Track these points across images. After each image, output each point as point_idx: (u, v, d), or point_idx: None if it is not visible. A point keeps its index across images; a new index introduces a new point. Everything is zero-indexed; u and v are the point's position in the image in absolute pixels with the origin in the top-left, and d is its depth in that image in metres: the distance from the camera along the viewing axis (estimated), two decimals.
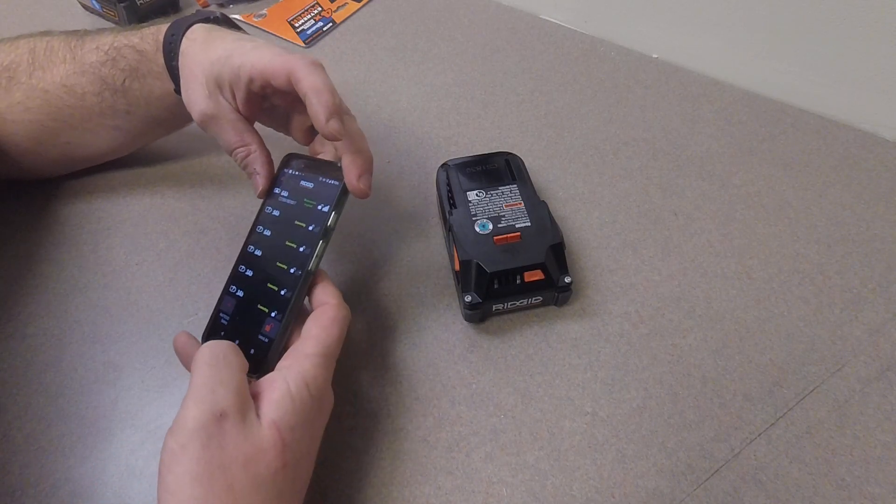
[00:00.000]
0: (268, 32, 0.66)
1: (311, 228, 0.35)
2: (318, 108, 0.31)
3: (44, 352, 0.40)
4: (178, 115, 0.42)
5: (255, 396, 0.28)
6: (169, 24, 0.40)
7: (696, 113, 0.55)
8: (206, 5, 0.70)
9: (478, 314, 0.39)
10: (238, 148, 0.37)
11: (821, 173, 0.49)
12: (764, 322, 0.40)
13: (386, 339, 0.40)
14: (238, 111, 0.37)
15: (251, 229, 0.37)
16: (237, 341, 0.33)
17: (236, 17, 0.68)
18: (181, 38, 0.38)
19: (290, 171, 0.38)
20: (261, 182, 0.37)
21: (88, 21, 0.68)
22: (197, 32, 0.38)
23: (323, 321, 0.31)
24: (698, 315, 0.41)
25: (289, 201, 0.36)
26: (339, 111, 0.33)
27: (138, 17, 0.65)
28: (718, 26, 0.56)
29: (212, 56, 0.36)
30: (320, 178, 0.36)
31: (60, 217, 0.48)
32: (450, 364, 0.39)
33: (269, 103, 0.39)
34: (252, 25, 0.67)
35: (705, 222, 0.46)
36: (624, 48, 0.62)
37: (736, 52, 0.56)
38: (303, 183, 0.36)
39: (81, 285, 0.43)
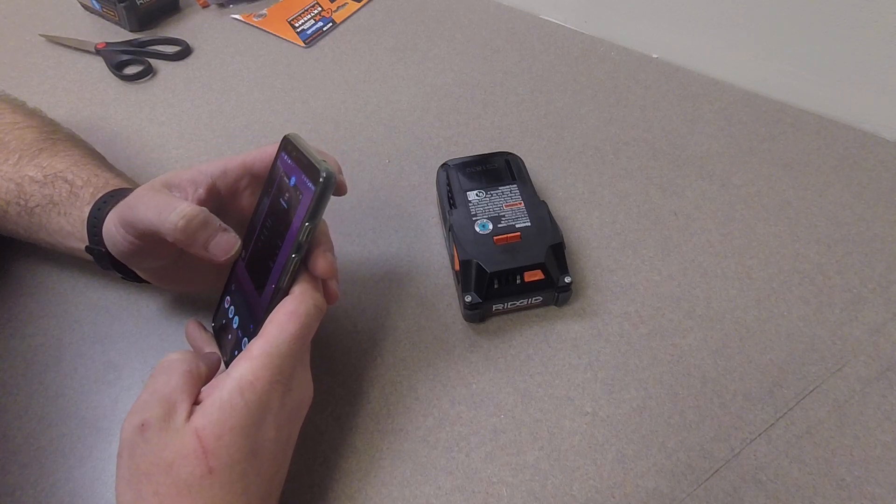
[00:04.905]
0: (268, 32, 0.66)
1: (284, 239, 0.31)
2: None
3: (44, 352, 0.40)
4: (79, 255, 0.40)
5: (200, 401, 0.28)
6: (116, 183, 0.39)
7: (696, 113, 0.55)
8: (206, 5, 0.70)
9: (478, 314, 0.39)
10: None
11: (821, 173, 0.49)
12: (764, 322, 0.40)
13: (386, 339, 0.40)
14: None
15: (251, 220, 0.34)
16: (229, 337, 0.33)
17: (237, 17, 0.68)
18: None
19: (285, 159, 0.33)
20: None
21: (88, 20, 0.68)
22: None
23: (279, 316, 0.29)
24: (698, 315, 0.41)
25: (274, 199, 0.33)
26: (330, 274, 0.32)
27: (138, 17, 0.65)
28: (718, 26, 0.56)
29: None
30: (302, 177, 0.30)
31: None
32: (450, 364, 0.39)
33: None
34: (252, 25, 0.67)
35: (705, 222, 0.46)
36: (624, 48, 0.62)
37: (736, 52, 0.56)
38: (287, 179, 0.32)
39: (81, 285, 0.43)
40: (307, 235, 0.30)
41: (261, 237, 0.33)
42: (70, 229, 0.38)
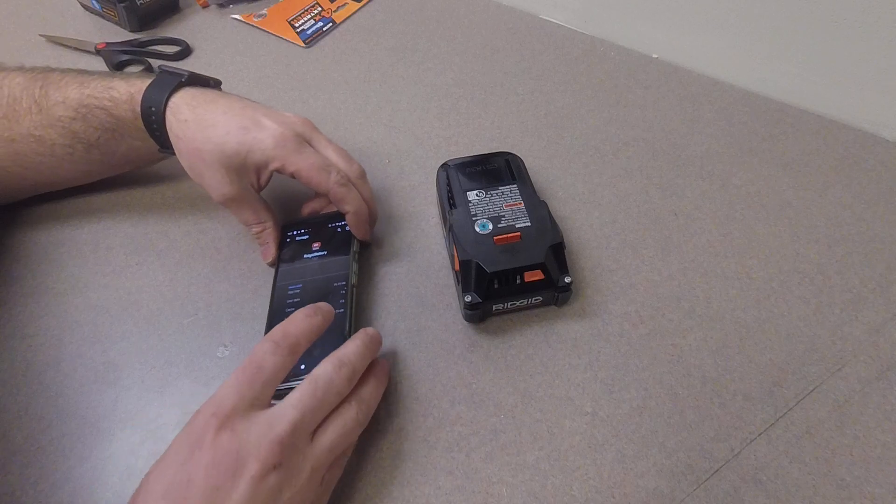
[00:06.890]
0: (268, 32, 0.66)
1: (333, 286, 0.39)
2: (357, 231, 0.42)
3: (44, 352, 0.40)
4: (159, 159, 0.45)
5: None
6: (139, 89, 0.40)
7: (696, 113, 0.55)
8: (206, 5, 0.70)
9: (478, 314, 0.39)
10: (254, 225, 0.42)
11: (821, 173, 0.49)
12: (764, 322, 0.40)
13: (386, 340, 0.40)
14: (258, 190, 0.41)
15: (276, 295, 0.40)
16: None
17: (237, 16, 0.68)
18: (164, 112, 0.39)
19: (299, 233, 0.43)
20: (270, 253, 0.42)
21: (89, 20, 0.68)
22: (183, 111, 0.39)
23: (293, 394, 0.30)
24: (698, 315, 0.41)
25: (299, 265, 0.41)
26: (373, 220, 0.43)
27: (138, 17, 0.66)
28: (718, 26, 0.56)
29: (214, 139, 0.38)
30: (328, 241, 0.42)
31: (60, 217, 0.48)
32: (450, 364, 0.39)
33: None
34: (252, 25, 0.67)
35: (705, 222, 0.46)
36: (624, 48, 0.62)
37: (736, 52, 0.56)
38: (313, 243, 0.42)
39: (81, 285, 0.43)
40: (357, 278, 0.40)
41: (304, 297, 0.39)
42: (141, 143, 0.42)
